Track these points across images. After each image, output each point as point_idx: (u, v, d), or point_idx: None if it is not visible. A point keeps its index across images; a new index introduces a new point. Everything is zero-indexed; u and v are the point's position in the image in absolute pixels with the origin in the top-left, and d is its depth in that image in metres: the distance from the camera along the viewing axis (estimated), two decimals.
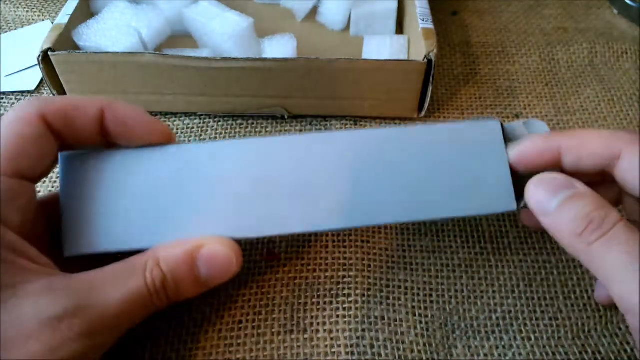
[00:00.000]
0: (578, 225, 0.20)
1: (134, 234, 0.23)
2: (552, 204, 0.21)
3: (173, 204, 0.23)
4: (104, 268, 0.21)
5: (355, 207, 0.23)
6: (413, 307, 0.27)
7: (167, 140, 0.24)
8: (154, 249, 0.22)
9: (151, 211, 0.23)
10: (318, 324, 0.27)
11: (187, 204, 0.23)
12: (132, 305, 0.21)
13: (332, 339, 0.26)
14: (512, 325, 0.27)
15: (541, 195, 0.22)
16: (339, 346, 0.26)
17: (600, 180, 0.24)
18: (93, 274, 0.21)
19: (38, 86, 0.39)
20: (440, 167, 0.24)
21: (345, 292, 0.28)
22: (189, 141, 0.35)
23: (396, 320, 0.27)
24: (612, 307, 0.27)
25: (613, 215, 0.20)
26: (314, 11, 0.43)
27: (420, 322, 0.27)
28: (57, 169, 0.24)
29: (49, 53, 0.32)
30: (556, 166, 0.23)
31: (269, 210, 0.24)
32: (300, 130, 0.36)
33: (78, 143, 0.24)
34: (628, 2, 0.45)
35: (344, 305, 0.27)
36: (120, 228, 0.23)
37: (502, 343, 0.26)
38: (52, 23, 0.40)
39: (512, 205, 0.24)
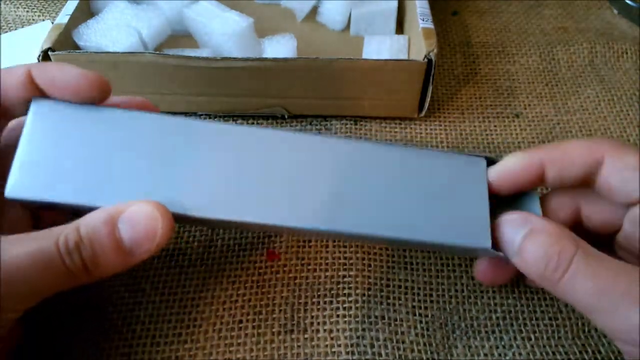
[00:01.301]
0: (539, 265, 0.20)
1: (82, 190, 0.22)
2: (515, 244, 0.21)
3: (135, 168, 0.22)
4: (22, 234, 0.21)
5: (328, 211, 0.23)
6: (413, 306, 0.27)
7: (104, 91, 0.24)
8: (78, 220, 0.21)
9: (111, 171, 0.22)
10: (318, 323, 0.27)
11: (151, 173, 0.22)
12: (36, 264, 0.20)
13: (332, 338, 0.26)
14: (512, 325, 0.27)
15: (506, 235, 0.22)
16: (339, 346, 0.26)
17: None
18: (6, 236, 0.20)
19: None
20: (422, 190, 0.23)
21: (346, 291, 0.28)
22: None
23: (396, 320, 0.27)
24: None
25: (568, 247, 0.20)
26: (314, 11, 0.43)
27: (421, 322, 0.27)
28: None
29: (49, 53, 0.32)
30: (538, 182, 0.23)
31: (239, 195, 0.23)
32: (300, 130, 0.36)
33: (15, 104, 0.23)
34: (628, 2, 0.45)
35: (344, 305, 0.27)
36: (70, 182, 0.22)
37: (502, 343, 0.26)
38: (52, 23, 0.40)
39: (487, 243, 0.22)
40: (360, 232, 0.23)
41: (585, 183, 0.23)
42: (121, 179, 0.22)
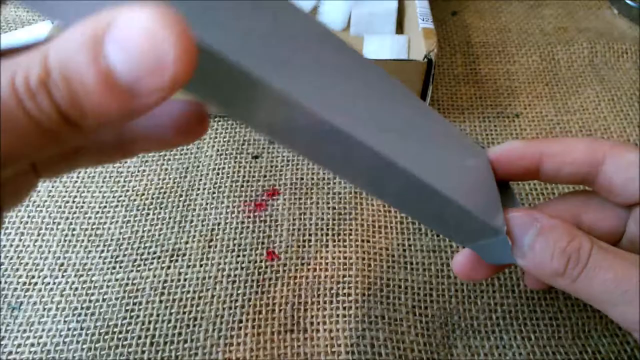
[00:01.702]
0: (558, 264, 0.20)
1: None
2: (524, 243, 0.20)
3: None
4: None
5: (367, 122, 0.18)
6: (413, 306, 0.27)
7: None
8: (46, 44, 0.13)
9: None
10: (318, 323, 0.27)
11: None
12: None
13: (332, 338, 0.26)
14: (512, 324, 0.27)
15: (512, 233, 0.21)
16: (339, 345, 0.26)
17: None
18: None
19: None
20: (440, 145, 0.21)
21: (346, 291, 0.28)
22: None
23: (396, 320, 0.27)
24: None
25: (585, 242, 0.20)
26: (314, 11, 0.43)
27: (421, 322, 0.27)
28: None
29: None
30: (533, 173, 0.23)
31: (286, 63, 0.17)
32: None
33: None
34: (628, 2, 0.45)
35: (344, 305, 0.27)
36: None
37: (502, 343, 0.26)
38: (52, 23, 0.40)
39: (501, 226, 0.20)
40: (372, 146, 0.17)
41: (580, 182, 0.23)
42: None
